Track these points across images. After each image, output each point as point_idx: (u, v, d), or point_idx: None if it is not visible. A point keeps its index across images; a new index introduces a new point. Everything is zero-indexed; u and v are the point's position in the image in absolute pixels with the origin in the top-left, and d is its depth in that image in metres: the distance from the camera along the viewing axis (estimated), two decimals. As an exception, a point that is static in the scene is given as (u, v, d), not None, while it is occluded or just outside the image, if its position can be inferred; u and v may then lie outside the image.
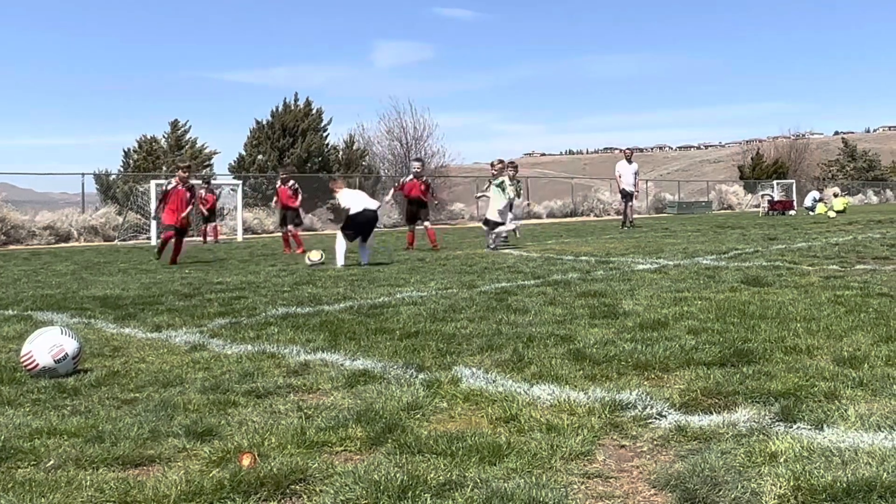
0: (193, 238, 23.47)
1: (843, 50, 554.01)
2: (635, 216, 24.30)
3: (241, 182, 26.52)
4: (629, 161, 23.14)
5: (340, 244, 11.87)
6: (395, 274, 10.10)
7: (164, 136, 40.53)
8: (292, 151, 37.28)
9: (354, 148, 41.02)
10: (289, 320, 6.29)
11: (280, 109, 38.85)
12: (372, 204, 12.18)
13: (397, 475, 2.76)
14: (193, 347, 5.28)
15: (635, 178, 23.03)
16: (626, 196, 22.92)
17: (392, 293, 7.89)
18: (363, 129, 43.84)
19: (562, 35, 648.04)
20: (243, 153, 38.49)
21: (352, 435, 3.24)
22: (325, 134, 39.70)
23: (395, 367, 4.48)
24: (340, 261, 11.60)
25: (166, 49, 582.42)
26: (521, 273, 9.70)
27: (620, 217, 26.78)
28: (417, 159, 18.51)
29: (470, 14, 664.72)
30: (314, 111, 39.59)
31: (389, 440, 3.17)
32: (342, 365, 4.58)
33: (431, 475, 2.77)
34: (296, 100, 39.46)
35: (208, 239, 22.93)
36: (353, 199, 12.19)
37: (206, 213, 23.86)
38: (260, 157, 37.71)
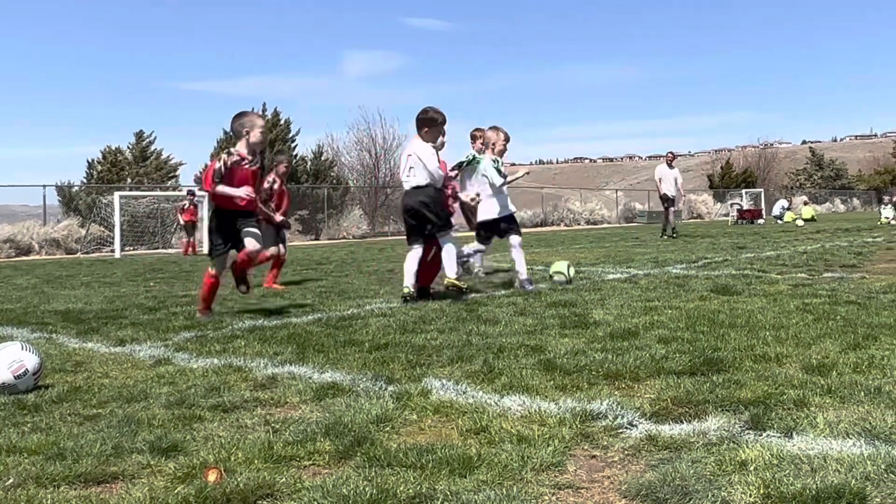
0: (172, 251, 23.34)
1: (810, 61, 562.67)
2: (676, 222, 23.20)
3: (201, 195, 26.29)
4: (670, 166, 22.35)
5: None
6: (364, 285, 10.07)
7: (128, 147, 40.21)
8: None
9: (323, 158, 40.95)
10: (256, 333, 6.24)
11: (247, 120, 38.70)
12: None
13: (366, 489, 2.75)
14: (158, 361, 5.22)
15: (677, 184, 22.13)
16: (668, 202, 22.09)
17: (361, 305, 7.87)
18: (332, 139, 43.87)
19: (532, 46, 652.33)
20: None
21: (320, 449, 3.21)
22: (293, 144, 39.60)
23: (364, 379, 4.46)
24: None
25: (132, 58, 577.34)
26: (490, 283, 9.71)
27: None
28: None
29: (441, 24, 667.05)
30: (282, 121, 39.48)
31: (358, 453, 3.15)
32: (310, 378, 4.56)
33: (401, 488, 2.76)
34: (264, 110, 39.33)
35: (190, 251, 22.73)
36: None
37: (181, 223, 23.71)
38: (226, 168, 37.50)
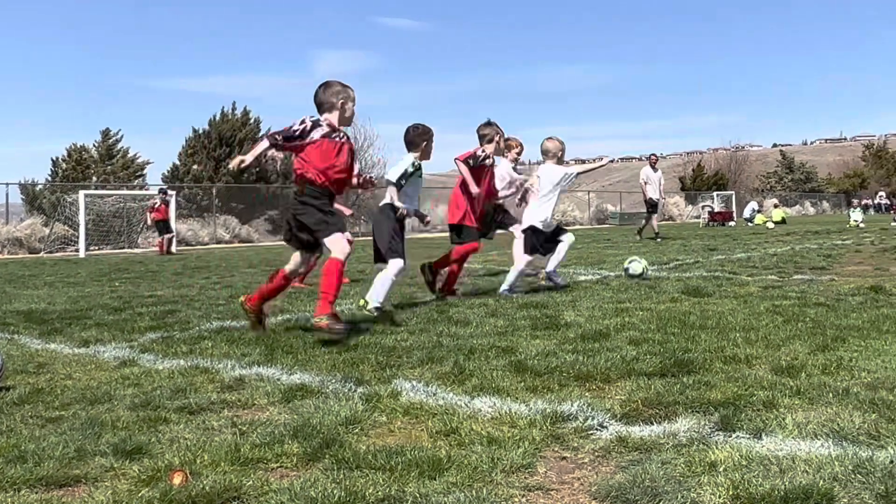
0: (138, 251, 23.13)
1: (782, 65, 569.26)
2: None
3: (174, 192, 26.08)
4: (654, 168, 21.90)
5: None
6: (334, 286, 10.02)
7: (94, 145, 39.79)
8: (229, 161, 36.87)
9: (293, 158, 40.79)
10: (223, 334, 6.20)
11: (217, 118, 38.44)
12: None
13: (335, 491, 2.74)
14: (123, 363, 5.16)
15: (660, 186, 21.68)
16: (653, 206, 21.68)
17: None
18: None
19: (505, 46, 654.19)
20: (177, 163, 37.96)
21: (288, 451, 3.20)
22: (262, 143, 39.39)
23: (334, 380, 4.44)
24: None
25: (99, 55, 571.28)
26: (462, 284, 9.71)
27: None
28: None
29: (414, 24, 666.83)
30: (252, 120, 39.27)
31: (327, 455, 3.14)
32: (279, 379, 4.53)
33: (370, 491, 2.75)
34: (233, 109, 39.17)
35: (164, 251, 22.48)
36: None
37: (150, 223, 23.46)
38: (195, 167, 37.22)
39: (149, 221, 23.85)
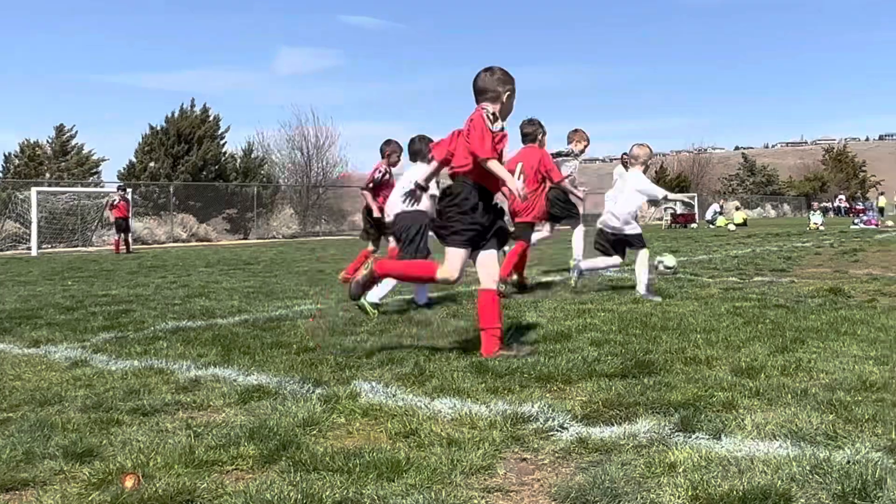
0: (92, 249, 22.80)
1: (743, 69, 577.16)
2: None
3: (130, 190, 25.75)
4: (626, 167, 22.26)
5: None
6: (293, 286, 9.97)
7: (48, 141, 39.16)
8: (187, 159, 36.51)
9: (253, 156, 40.47)
10: (179, 334, 6.13)
11: (175, 115, 38.02)
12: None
13: (291, 494, 2.71)
14: (74, 363, 5.08)
15: None
16: None
17: (290, 306, 7.79)
18: (262, 136, 43.36)
19: (469, 46, 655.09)
20: (134, 160, 37.48)
21: (244, 453, 3.16)
22: (222, 142, 39.03)
23: (292, 382, 4.41)
24: None
25: (53, 48, 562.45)
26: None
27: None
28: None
29: (378, 22, 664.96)
30: (211, 118, 38.88)
31: (284, 458, 3.11)
32: (235, 380, 4.49)
33: (327, 493, 2.73)
34: (192, 105, 38.72)
35: (121, 249, 22.13)
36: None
37: (111, 220, 23.10)
38: (152, 164, 36.78)
39: (111, 219, 23.46)
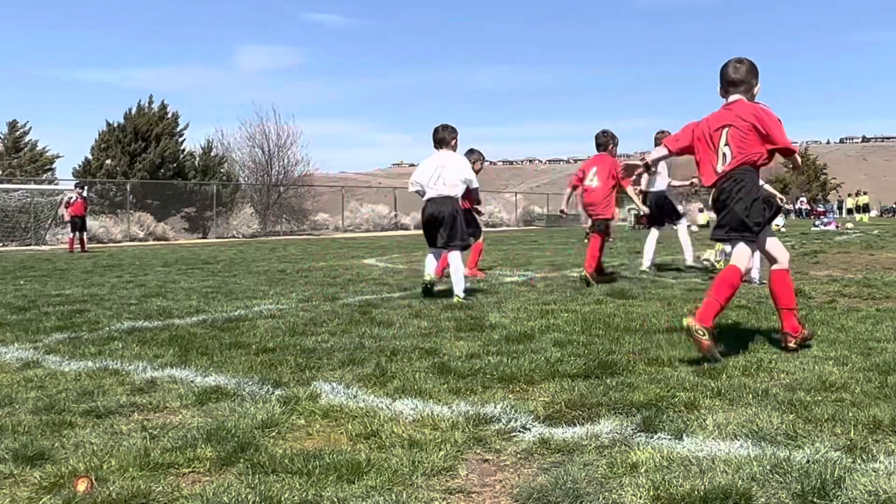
0: (46, 248, 22.45)
1: (708, 71, 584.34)
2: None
3: (86, 188, 25.37)
4: None
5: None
6: (253, 286, 9.90)
7: (0, 138, 38.50)
8: (145, 156, 36.09)
9: (213, 154, 40.11)
10: (135, 335, 6.05)
11: (133, 112, 37.56)
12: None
13: (249, 496, 2.69)
14: (26, 364, 4.99)
15: None
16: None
17: (249, 306, 7.73)
18: (222, 134, 43.00)
19: (433, 45, 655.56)
20: (90, 157, 36.97)
21: (201, 455, 3.13)
22: (180, 139, 38.65)
23: (251, 383, 4.37)
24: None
25: (6, 43, 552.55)
26: (386, 285, 9.70)
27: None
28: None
29: (341, 20, 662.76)
30: (170, 115, 38.50)
31: (242, 460, 3.09)
32: (192, 381, 4.44)
33: (286, 495, 2.71)
34: (150, 102, 38.30)
35: (75, 248, 21.78)
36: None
37: (67, 218, 22.72)
38: (108, 161, 36.30)
39: (66, 217, 23.04)
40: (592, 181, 9.97)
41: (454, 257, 8.18)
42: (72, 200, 22.78)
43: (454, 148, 8.67)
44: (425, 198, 8.44)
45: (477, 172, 9.76)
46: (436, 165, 8.45)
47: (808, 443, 3.15)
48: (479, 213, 11.02)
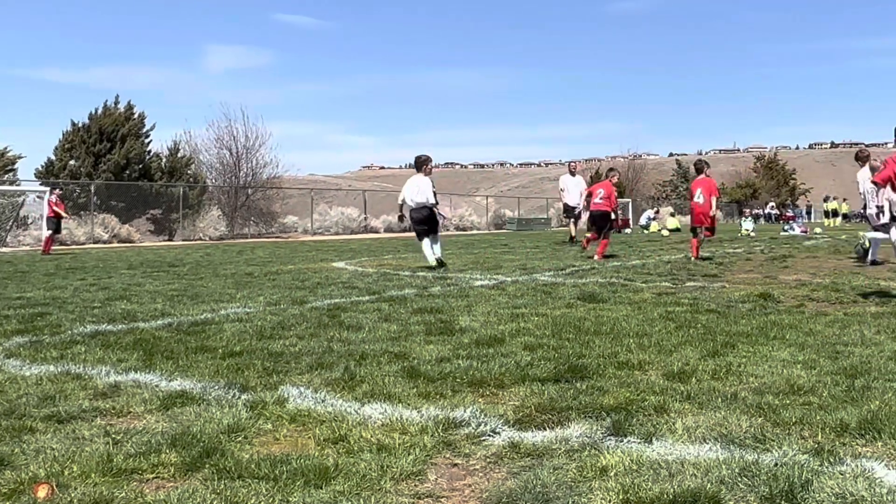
0: (7, 250, 22.17)
1: (679, 76, 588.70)
2: (578, 229, 22.96)
3: (48, 189, 25.06)
4: (573, 174, 22.79)
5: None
6: (220, 289, 9.83)
7: (-41, 136, 37.96)
8: (110, 157, 35.70)
9: (179, 156, 39.78)
10: (98, 338, 5.98)
11: (99, 112, 37.15)
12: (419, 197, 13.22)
13: (214, 502, 2.67)
14: (-15, 369, 4.92)
15: (581, 192, 22.09)
16: (570, 210, 22.52)
17: (216, 309, 7.67)
18: (190, 136, 42.64)
19: (403, 47, 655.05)
20: (53, 158, 36.52)
21: (165, 461, 3.10)
22: (146, 140, 38.27)
23: (217, 387, 4.34)
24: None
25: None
26: (355, 289, 9.67)
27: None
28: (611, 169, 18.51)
29: (311, 21, 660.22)
30: (136, 115, 38.12)
31: (207, 465, 3.06)
32: (157, 386, 4.40)
33: (252, 501, 2.69)
34: (116, 102, 37.89)
35: (51, 249, 21.54)
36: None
37: (66, 214, 22.50)
38: (72, 162, 35.88)
39: (64, 215, 22.80)
40: (699, 198, 14.26)
41: (436, 239, 13.36)
42: (55, 201, 22.67)
43: (429, 172, 13.48)
44: (413, 205, 13.20)
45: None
46: (416, 184, 13.21)
47: (777, 446, 3.19)
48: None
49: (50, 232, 22.28)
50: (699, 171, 15.08)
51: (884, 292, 8.58)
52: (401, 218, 14.71)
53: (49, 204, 22.55)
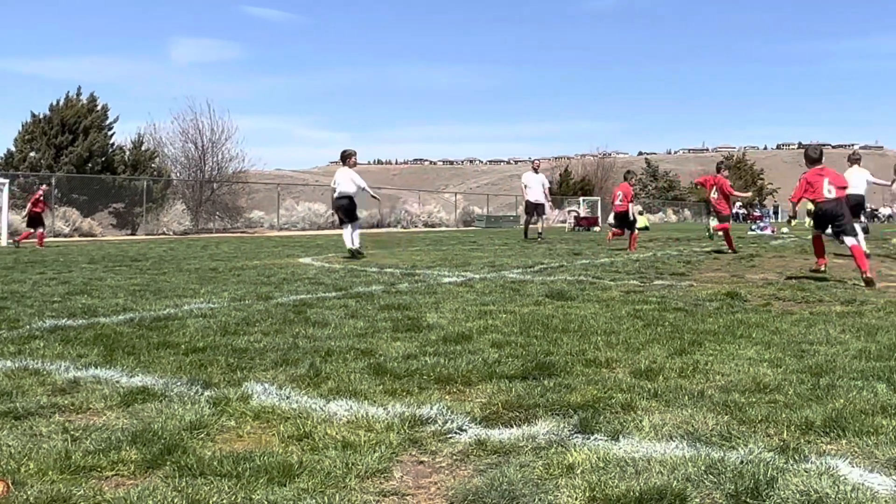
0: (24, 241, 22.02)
1: (649, 76, 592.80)
2: (544, 226, 24.11)
3: (7, 181, 24.68)
4: (536, 171, 23.50)
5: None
6: (183, 284, 9.73)
7: (-85, 126, 37.28)
8: (72, 150, 35.22)
9: (143, 149, 39.34)
10: (58, 333, 5.90)
11: (61, 104, 36.63)
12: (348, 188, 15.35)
13: (176, 500, 2.64)
14: (-60, 364, 4.83)
15: (544, 189, 23.37)
16: (532, 207, 23.14)
17: (179, 304, 7.60)
18: (154, 129, 42.19)
19: (373, 44, 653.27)
20: (13, 149, 35.96)
21: (125, 458, 3.06)
22: (109, 133, 37.79)
23: (179, 383, 4.30)
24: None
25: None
26: (321, 285, 9.63)
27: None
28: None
29: (281, 15, 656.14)
30: (99, 107, 37.61)
31: (168, 462, 3.03)
32: (118, 382, 4.35)
33: (214, 498, 2.67)
34: (79, 94, 37.35)
35: (44, 242, 21.29)
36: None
37: (31, 214, 22.20)
38: (32, 154, 35.35)
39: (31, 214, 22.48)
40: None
41: (356, 226, 15.31)
42: (41, 197, 22.46)
43: (352, 165, 15.51)
44: (335, 194, 15.43)
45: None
46: (343, 176, 15.32)
47: (742, 444, 3.22)
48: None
49: (41, 228, 22.12)
50: (719, 170, 17.73)
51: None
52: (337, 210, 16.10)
53: (37, 200, 22.33)
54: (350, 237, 15.06)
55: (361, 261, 14.11)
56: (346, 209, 15.36)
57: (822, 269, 10.94)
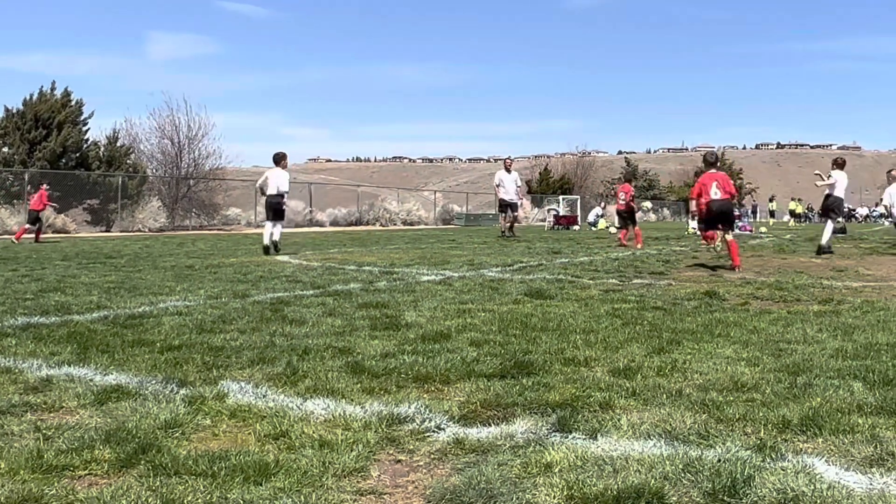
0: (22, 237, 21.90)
1: (628, 74, 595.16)
2: (517, 225, 24.32)
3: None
4: (508, 171, 23.66)
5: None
6: (159, 281, 9.68)
7: None
8: (45, 145, 34.90)
9: (119, 144, 39.03)
10: (30, 331, 5.85)
11: (34, 98, 36.28)
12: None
13: (149, 499, 2.63)
14: None
15: (516, 187, 23.66)
16: (507, 206, 23.41)
17: (154, 302, 7.55)
18: (130, 124, 41.88)
19: (352, 41, 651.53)
20: (-15, 144, 35.57)
21: (98, 457, 3.04)
22: (84, 128, 37.47)
23: (154, 382, 4.27)
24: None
25: None
26: (299, 283, 9.60)
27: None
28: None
29: (260, 11, 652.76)
30: (74, 102, 37.28)
31: (142, 461, 3.01)
32: (92, 380, 4.31)
33: (189, 498, 2.65)
34: (53, 88, 36.99)
35: (40, 238, 21.19)
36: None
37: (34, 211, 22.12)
38: (6, 149, 35.00)
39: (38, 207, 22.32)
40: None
41: (278, 226, 16.37)
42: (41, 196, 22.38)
43: (285, 167, 16.38)
44: (272, 192, 16.04)
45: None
46: (275, 175, 16.08)
47: (720, 442, 3.24)
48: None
49: (38, 224, 22.10)
50: (710, 165, 15.92)
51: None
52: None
53: (42, 197, 22.24)
54: (270, 233, 15.91)
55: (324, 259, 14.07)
56: (277, 208, 16.25)
57: (717, 245, 12.64)
